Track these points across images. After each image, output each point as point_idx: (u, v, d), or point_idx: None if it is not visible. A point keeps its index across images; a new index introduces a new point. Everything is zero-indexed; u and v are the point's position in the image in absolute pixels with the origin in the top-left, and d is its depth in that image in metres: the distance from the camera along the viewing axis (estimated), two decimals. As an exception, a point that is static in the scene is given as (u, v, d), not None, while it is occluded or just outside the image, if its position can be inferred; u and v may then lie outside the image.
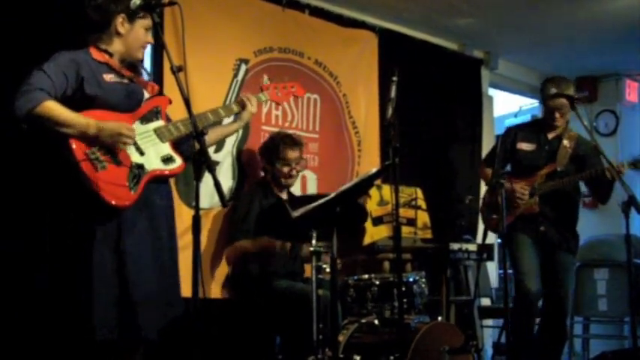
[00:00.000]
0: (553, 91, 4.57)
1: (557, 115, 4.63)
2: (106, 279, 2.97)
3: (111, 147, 3.00)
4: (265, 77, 5.06)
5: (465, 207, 6.01)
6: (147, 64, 4.16)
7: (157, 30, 3.11)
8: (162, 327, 3.13)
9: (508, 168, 4.74)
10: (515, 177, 4.65)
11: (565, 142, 4.68)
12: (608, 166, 4.38)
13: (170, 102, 3.35)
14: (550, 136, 4.73)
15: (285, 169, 4.53)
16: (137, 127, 3.15)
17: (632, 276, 4.37)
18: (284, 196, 4.61)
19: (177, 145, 3.31)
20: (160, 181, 3.19)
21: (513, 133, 4.82)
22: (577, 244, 4.79)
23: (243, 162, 4.90)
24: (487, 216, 4.80)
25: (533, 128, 4.87)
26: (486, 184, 4.92)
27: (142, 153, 3.11)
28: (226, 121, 3.86)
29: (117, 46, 3.21)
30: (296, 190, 4.90)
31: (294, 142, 4.59)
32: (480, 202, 5.10)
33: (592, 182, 4.62)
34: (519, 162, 4.71)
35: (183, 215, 4.26)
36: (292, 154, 4.54)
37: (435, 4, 5.76)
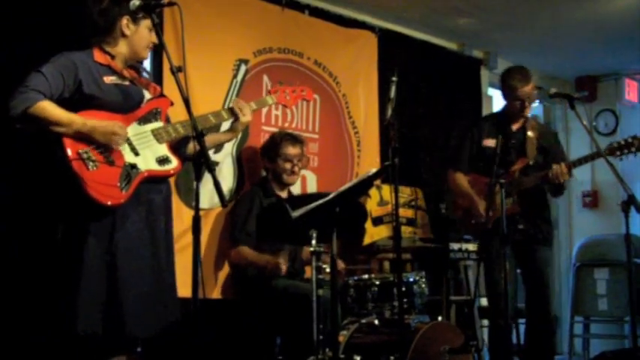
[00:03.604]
0: (520, 81, 4.54)
1: (526, 104, 4.59)
2: (94, 276, 2.98)
3: (105, 146, 3.02)
4: (265, 77, 5.07)
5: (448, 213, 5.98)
6: (147, 64, 4.16)
7: (157, 30, 3.13)
8: (161, 327, 3.13)
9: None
10: (484, 175, 4.55)
11: (529, 133, 4.63)
12: (554, 168, 4.39)
13: (172, 104, 3.35)
14: (514, 127, 4.66)
15: (287, 166, 4.54)
16: (135, 127, 3.16)
17: (632, 275, 4.37)
18: (284, 195, 4.61)
19: (178, 146, 3.32)
20: (158, 181, 3.20)
21: (476, 130, 4.73)
22: (552, 234, 4.79)
23: (243, 162, 4.90)
24: (465, 221, 4.74)
25: (494, 122, 4.75)
26: (456, 191, 4.76)
27: (136, 153, 3.13)
28: (225, 126, 3.87)
29: (122, 47, 3.23)
30: (296, 190, 4.90)
31: (294, 138, 4.62)
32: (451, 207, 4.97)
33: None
34: (487, 159, 4.52)
35: (183, 215, 4.27)
36: (293, 150, 4.55)
37: (434, 4, 5.76)
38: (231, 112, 3.58)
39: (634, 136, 4.37)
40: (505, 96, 4.71)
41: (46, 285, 3.19)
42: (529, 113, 4.68)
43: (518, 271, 4.78)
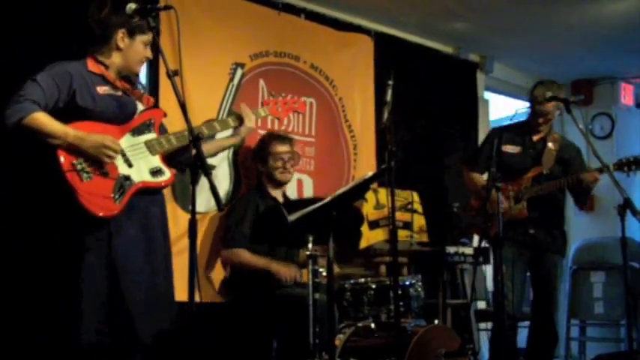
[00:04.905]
0: (549, 94, 4.58)
1: (548, 117, 4.66)
2: (95, 286, 3.00)
3: (95, 159, 3.02)
4: (261, 81, 5.06)
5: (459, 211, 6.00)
6: (143, 68, 4.16)
7: (154, 33, 3.14)
8: (158, 332, 3.13)
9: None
10: (500, 180, 4.61)
11: (550, 144, 4.71)
12: (584, 173, 4.46)
13: (165, 115, 3.37)
14: (535, 138, 4.75)
15: (279, 164, 4.56)
16: (128, 139, 3.17)
17: (628, 279, 4.39)
18: (280, 196, 4.62)
19: (174, 156, 3.32)
20: (151, 192, 3.20)
21: (498, 134, 4.77)
22: (565, 244, 4.83)
23: (239, 166, 4.90)
24: (476, 222, 4.79)
25: (517, 130, 4.84)
26: (472, 189, 4.88)
27: (130, 165, 3.13)
28: (221, 134, 3.88)
29: (115, 59, 3.24)
30: (292, 194, 4.90)
31: (282, 137, 4.67)
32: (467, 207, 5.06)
33: (571, 188, 4.65)
34: (505, 165, 4.61)
35: (179, 219, 4.27)
36: (282, 147, 4.58)
37: (430, 7, 5.77)
38: (238, 117, 3.67)
39: None
40: (530, 106, 4.78)
41: (47, 291, 3.19)
42: (548, 128, 4.73)
43: (528, 274, 4.80)
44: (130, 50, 3.24)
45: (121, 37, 3.21)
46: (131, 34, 3.22)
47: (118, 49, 3.23)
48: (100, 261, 3.01)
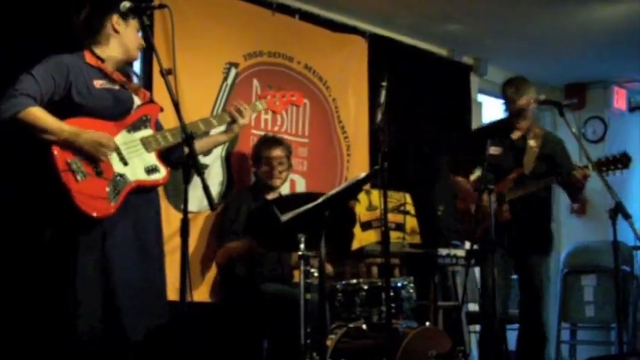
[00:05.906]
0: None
1: (520, 117, 4.60)
2: (88, 285, 2.97)
3: (91, 156, 3.00)
4: (255, 81, 5.06)
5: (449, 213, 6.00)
6: (136, 67, 4.15)
7: (147, 33, 3.12)
8: (149, 332, 3.12)
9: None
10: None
11: (531, 142, 4.63)
12: (575, 170, 4.39)
13: (161, 110, 3.34)
14: (514, 136, 4.67)
15: (266, 168, 4.56)
16: (124, 135, 3.14)
17: (620, 282, 4.39)
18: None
19: (168, 152, 3.30)
20: (146, 190, 3.19)
21: (478, 136, 4.75)
22: (551, 243, 4.79)
23: (232, 165, 4.90)
24: (463, 224, 4.78)
25: (497, 129, 4.76)
26: (459, 192, 4.84)
27: (125, 163, 3.10)
28: (215, 130, 3.87)
29: (113, 47, 3.20)
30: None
31: (274, 141, 4.65)
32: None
33: (563, 185, 4.60)
34: (489, 166, 4.49)
35: (171, 219, 4.26)
36: (273, 152, 4.56)
37: (425, 9, 5.77)
38: (232, 114, 3.61)
39: (623, 153, 4.35)
40: (505, 106, 4.71)
41: (46, 291, 3.17)
42: (525, 126, 4.65)
43: (515, 276, 4.80)
44: (127, 32, 3.21)
45: (116, 20, 3.17)
46: (124, 17, 3.18)
47: (116, 31, 3.18)
48: (93, 260, 2.99)
